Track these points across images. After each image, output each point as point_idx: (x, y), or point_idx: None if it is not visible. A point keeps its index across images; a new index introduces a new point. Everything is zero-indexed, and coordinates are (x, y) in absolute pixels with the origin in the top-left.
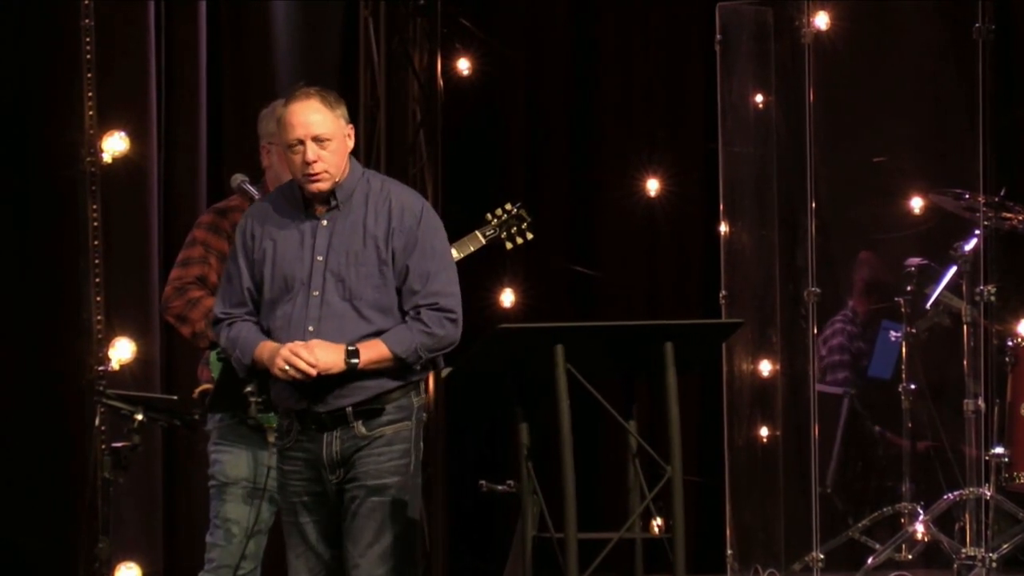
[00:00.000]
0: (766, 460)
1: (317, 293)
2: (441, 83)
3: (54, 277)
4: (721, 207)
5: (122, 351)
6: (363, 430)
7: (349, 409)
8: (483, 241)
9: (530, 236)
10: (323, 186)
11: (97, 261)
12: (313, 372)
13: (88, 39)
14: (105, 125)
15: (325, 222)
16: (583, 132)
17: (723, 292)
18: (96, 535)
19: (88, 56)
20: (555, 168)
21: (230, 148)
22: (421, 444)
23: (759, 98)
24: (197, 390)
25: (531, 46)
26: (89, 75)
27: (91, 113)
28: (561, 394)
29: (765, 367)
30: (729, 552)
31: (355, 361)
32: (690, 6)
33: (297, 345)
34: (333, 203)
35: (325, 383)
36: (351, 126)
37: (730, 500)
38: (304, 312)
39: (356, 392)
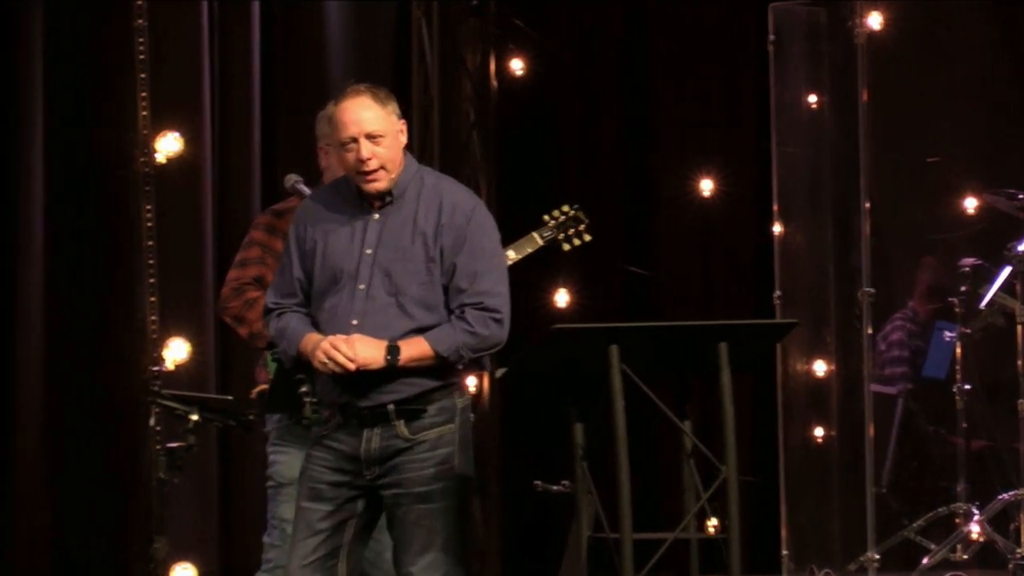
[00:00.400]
0: (821, 460)
1: (363, 286)
2: (495, 83)
3: (109, 278)
4: (775, 207)
5: (177, 351)
6: (405, 432)
7: (391, 407)
8: (540, 242)
9: (587, 238)
10: (380, 185)
11: (151, 261)
12: (351, 366)
13: (141, 39)
14: (159, 125)
15: (377, 216)
16: (636, 132)
17: (777, 292)
18: (151, 535)
19: (141, 57)
20: (609, 168)
21: (283, 148)
22: (471, 445)
23: (812, 98)
24: (255, 390)
25: (584, 46)
26: (142, 76)
27: (144, 114)
28: (616, 394)
29: (820, 367)
30: (784, 552)
31: (395, 357)
32: (743, 6)
33: (338, 338)
34: (388, 199)
35: (367, 378)
36: (403, 121)
37: (785, 500)
38: (349, 305)
39: (399, 389)
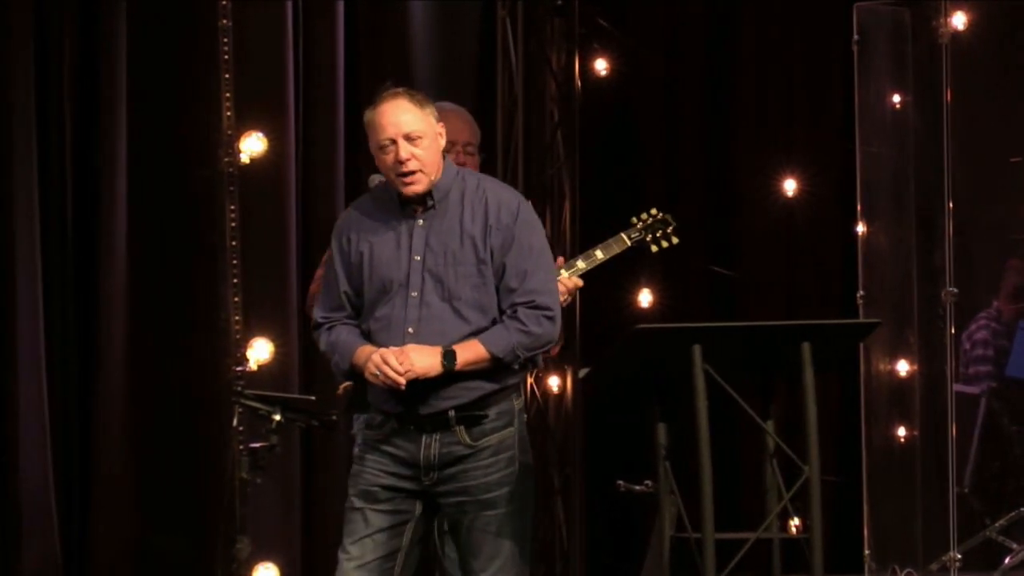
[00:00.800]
0: (903, 460)
1: (416, 294)
2: (578, 83)
3: (192, 278)
4: (858, 207)
5: (260, 351)
6: (467, 439)
7: (452, 413)
8: (628, 243)
9: (676, 240)
10: (418, 188)
11: (235, 261)
12: (401, 381)
13: (225, 39)
14: (243, 125)
15: (421, 222)
16: (720, 132)
17: (860, 292)
18: (234, 535)
19: (225, 56)
20: (692, 168)
21: (367, 147)
22: (529, 446)
23: (896, 98)
24: (341, 387)
25: (668, 46)
26: (226, 75)
27: (228, 114)
28: (699, 394)
29: (903, 367)
30: (867, 552)
31: (452, 363)
32: (827, 6)
33: (389, 352)
34: (430, 203)
35: (424, 384)
36: (442, 124)
37: (868, 500)
38: (403, 313)
39: (458, 394)
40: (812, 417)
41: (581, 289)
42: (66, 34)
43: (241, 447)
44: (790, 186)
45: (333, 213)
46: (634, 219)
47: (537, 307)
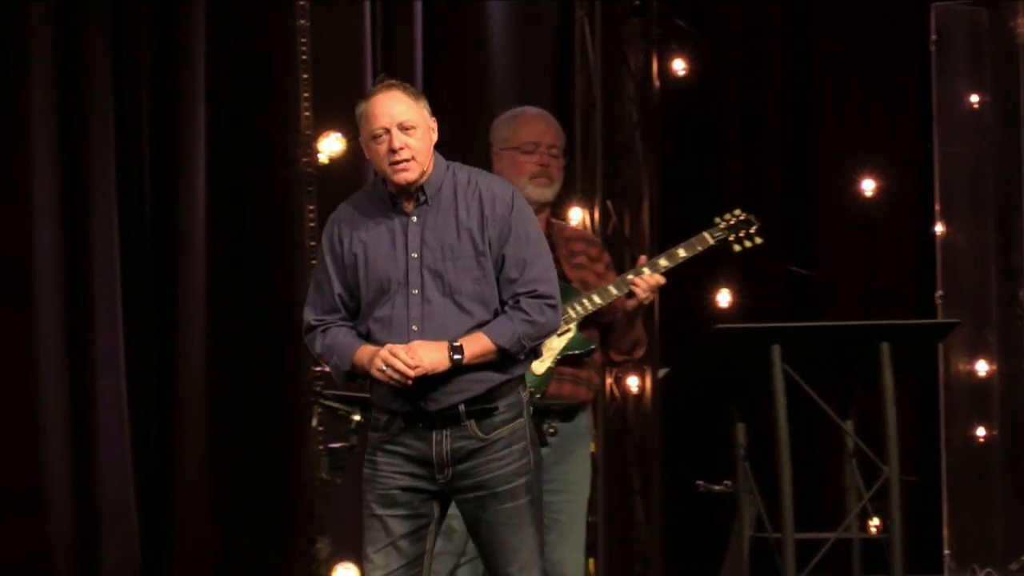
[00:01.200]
0: (983, 460)
1: (416, 291)
2: (657, 83)
3: (270, 278)
4: (936, 207)
5: None
6: (478, 432)
7: (461, 408)
8: (711, 242)
9: (759, 241)
10: (410, 176)
11: (314, 262)
12: (411, 374)
13: (304, 40)
14: (321, 126)
15: (415, 218)
16: (798, 132)
17: (939, 292)
18: (313, 535)
19: (304, 57)
20: (770, 168)
21: (445, 148)
22: (536, 436)
23: (974, 98)
24: None
25: (746, 46)
26: (305, 76)
27: (307, 114)
28: (778, 394)
29: (982, 367)
30: (946, 552)
31: (459, 357)
32: (905, 6)
33: (397, 348)
34: (422, 198)
35: (431, 380)
36: (435, 119)
37: (947, 500)
38: (405, 312)
39: (467, 387)
40: (891, 417)
41: (661, 288)
42: (144, 36)
43: (320, 447)
44: (868, 186)
45: None
46: (717, 219)
47: (539, 296)
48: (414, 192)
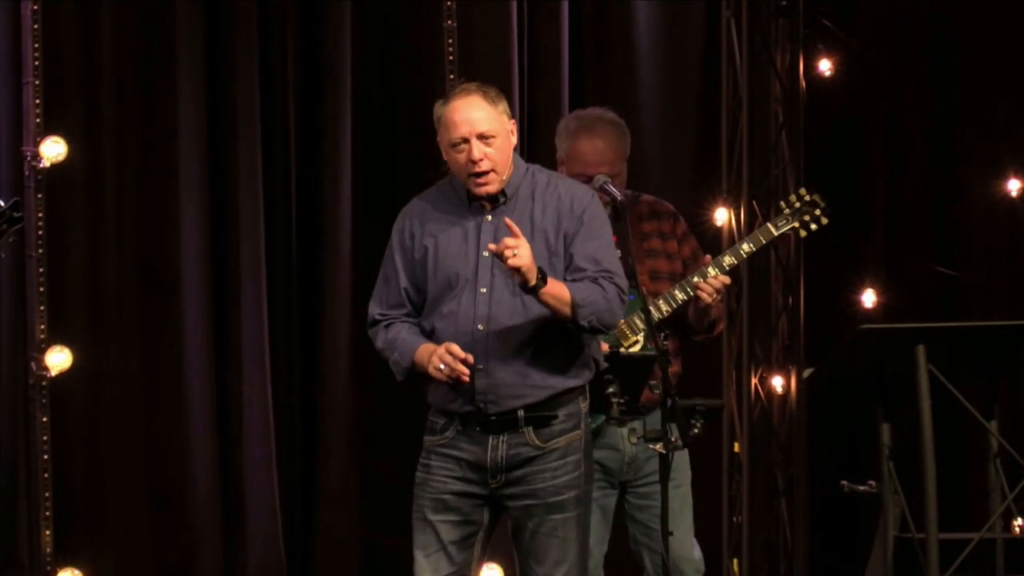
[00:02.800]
0: None
1: (485, 290)
2: (803, 84)
3: None
4: None
5: None
6: (536, 440)
7: (521, 413)
8: (775, 233)
9: (825, 221)
10: (492, 188)
11: None
12: (467, 372)
13: (450, 40)
14: None
15: (490, 218)
16: (944, 132)
17: None
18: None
19: (450, 57)
20: (915, 168)
21: None
22: (592, 450)
23: None
24: None
25: (893, 46)
26: (451, 76)
27: None
28: (923, 394)
29: None
30: None
31: (542, 282)
32: None
33: (455, 346)
34: (501, 199)
35: (495, 384)
36: (514, 121)
37: None
38: (472, 309)
39: (528, 393)
40: None
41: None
42: (290, 39)
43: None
44: (1014, 186)
45: None
46: (782, 203)
47: (616, 284)
48: (494, 194)
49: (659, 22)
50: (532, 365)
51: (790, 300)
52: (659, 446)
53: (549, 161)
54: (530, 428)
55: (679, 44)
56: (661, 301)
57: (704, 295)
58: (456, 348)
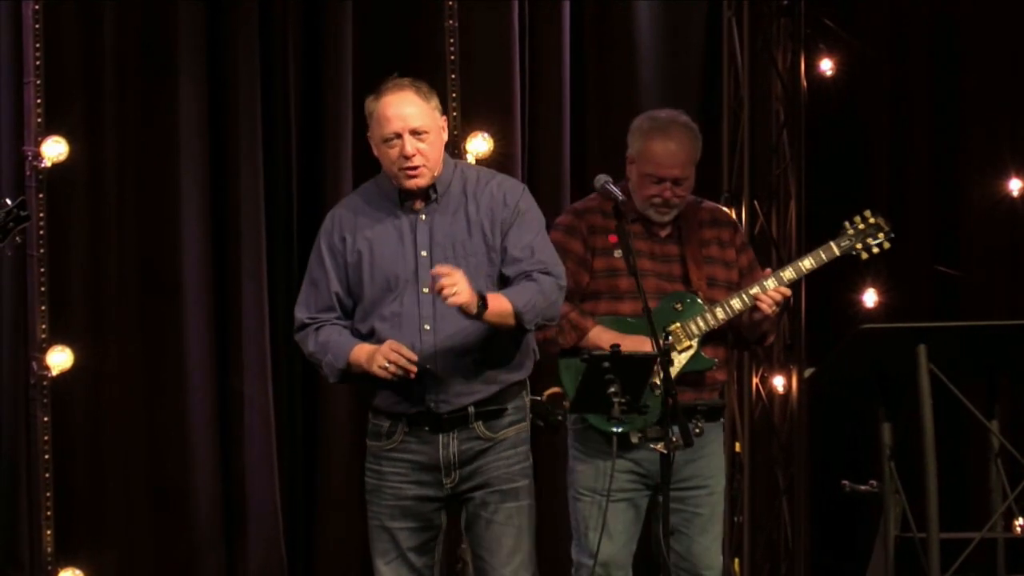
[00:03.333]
0: None
1: (427, 290)
2: (805, 84)
3: None
4: None
5: None
6: (486, 432)
7: (471, 409)
8: (837, 252)
9: (887, 246)
10: (422, 181)
11: None
12: (413, 370)
13: (451, 40)
14: (469, 126)
15: (424, 216)
16: (946, 131)
17: None
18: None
19: (452, 57)
20: (918, 168)
21: (593, 147)
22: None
23: None
24: (547, 392)
25: (894, 46)
26: (452, 76)
27: (454, 114)
28: (924, 394)
29: None
30: None
31: (483, 309)
32: None
33: (398, 344)
34: (432, 196)
35: (443, 383)
36: (445, 118)
37: None
38: (416, 310)
39: (478, 390)
40: None
41: (806, 286)
42: (291, 37)
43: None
44: (1015, 185)
45: (559, 213)
46: (846, 223)
47: (551, 275)
48: (425, 191)
49: (660, 22)
50: (480, 362)
51: (791, 300)
52: (660, 446)
53: (544, 159)
54: (480, 422)
55: (680, 44)
56: (718, 309)
57: (764, 306)
58: (399, 345)
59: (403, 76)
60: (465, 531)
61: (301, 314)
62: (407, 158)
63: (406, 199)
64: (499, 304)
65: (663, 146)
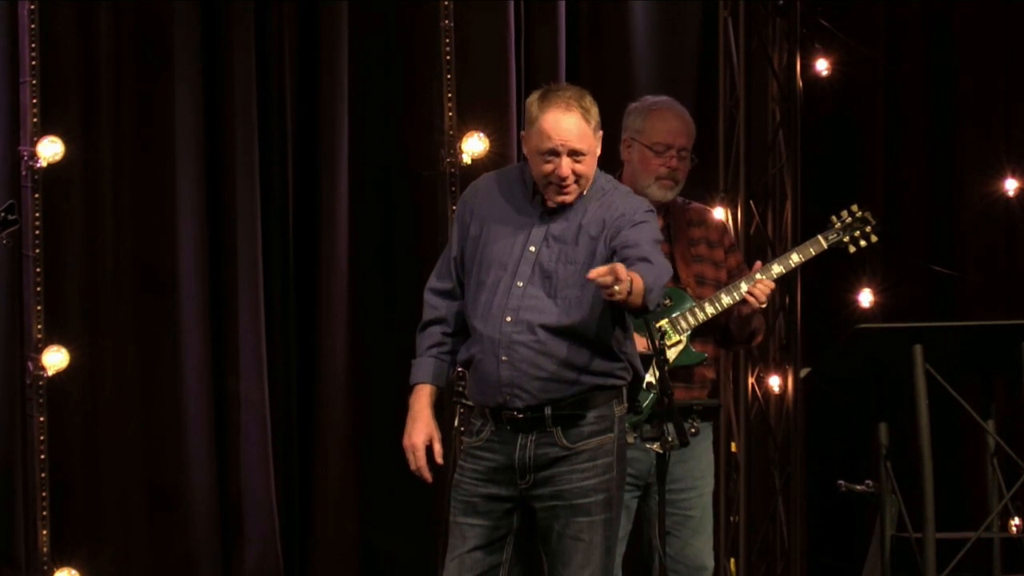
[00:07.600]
0: None
1: (521, 283)
2: (800, 83)
3: (414, 279)
4: None
5: None
6: (564, 440)
7: (548, 411)
8: (825, 246)
9: (875, 239)
10: (568, 199)
11: None
12: (428, 478)
13: (447, 40)
14: (464, 126)
15: (547, 214)
16: (941, 132)
17: None
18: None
19: (447, 57)
20: (913, 167)
21: None
22: (625, 456)
23: None
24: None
25: (889, 46)
26: (448, 76)
27: (450, 114)
28: (920, 394)
29: None
30: None
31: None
32: None
33: (431, 441)
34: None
35: (521, 377)
36: (601, 132)
37: None
38: (504, 301)
39: (554, 390)
40: None
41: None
42: (286, 36)
43: (462, 447)
44: (1011, 185)
45: None
46: (833, 218)
47: (652, 264)
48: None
49: (656, 22)
50: (558, 362)
51: (787, 300)
52: (656, 446)
53: None
54: (558, 428)
55: (676, 44)
56: (707, 304)
57: (754, 300)
58: (422, 449)
59: (400, 76)
60: (540, 539)
61: (431, 282)
62: (562, 179)
63: (538, 193)
64: (636, 281)
65: (670, 114)
